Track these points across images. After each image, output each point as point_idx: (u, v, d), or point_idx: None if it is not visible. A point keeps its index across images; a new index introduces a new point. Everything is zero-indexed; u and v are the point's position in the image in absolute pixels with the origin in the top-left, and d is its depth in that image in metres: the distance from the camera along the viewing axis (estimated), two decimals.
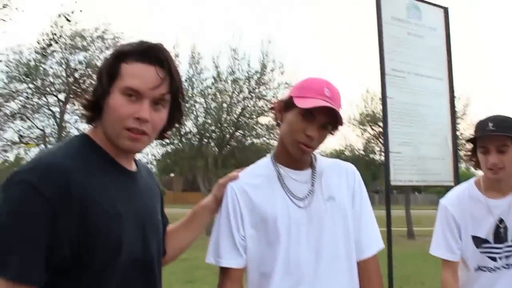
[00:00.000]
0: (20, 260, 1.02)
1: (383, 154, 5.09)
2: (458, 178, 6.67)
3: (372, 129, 25.28)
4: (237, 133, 20.01)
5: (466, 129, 17.79)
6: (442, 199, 2.17)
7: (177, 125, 1.40)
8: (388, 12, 5.49)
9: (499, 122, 1.95)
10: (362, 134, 29.70)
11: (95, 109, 1.24)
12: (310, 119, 1.59)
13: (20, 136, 7.47)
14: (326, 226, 1.66)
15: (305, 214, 1.66)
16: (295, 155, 1.66)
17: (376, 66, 5.54)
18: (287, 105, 1.64)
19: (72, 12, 5.07)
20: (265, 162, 1.78)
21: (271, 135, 20.27)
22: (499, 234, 2.03)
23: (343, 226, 1.69)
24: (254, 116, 19.76)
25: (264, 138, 20.61)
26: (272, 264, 1.62)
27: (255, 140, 20.79)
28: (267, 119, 19.85)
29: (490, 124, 1.94)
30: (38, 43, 4.92)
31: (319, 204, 1.68)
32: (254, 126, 20.09)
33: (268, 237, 1.65)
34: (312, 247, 1.64)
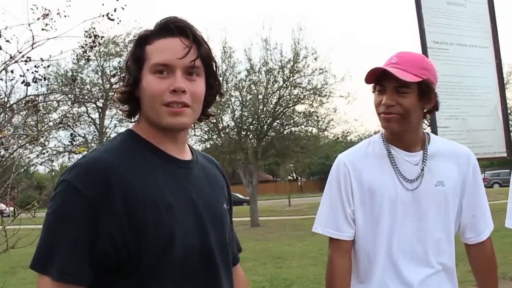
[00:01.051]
0: (62, 260, 1.01)
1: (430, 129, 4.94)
2: (511, 148, 6.44)
3: None
4: (275, 123, 19.95)
5: (511, 98, 17.09)
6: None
7: (213, 119, 1.35)
8: None
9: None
10: None
11: (131, 101, 1.21)
12: (382, 90, 1.63)
13: (72, 140, 7.56)
14: (431, 210, 1.67)
15: (411, 197, 1.67)
16: (385, 128, 1.68)
17: (417, 40, 5.39)
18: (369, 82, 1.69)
19: (115, 10, 5.06)
20: (376, 141, 1.77)
21: (309, 122, 20.15)
22: None
23: (446, 212, 1.69)
24: (291, 105, 19.66)
25: (302, 126, 20.49)
26: (374, 243, 1.68)
27: (293, 129, 20.67)
28: (303, 107, 19.75)
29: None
30: (82, 47, 4.88)
31: (427, 188, 1.67)
32: (291, 114, 19.98)
33: (373, 215, 1.68)
34: (415, 229, 1.66)
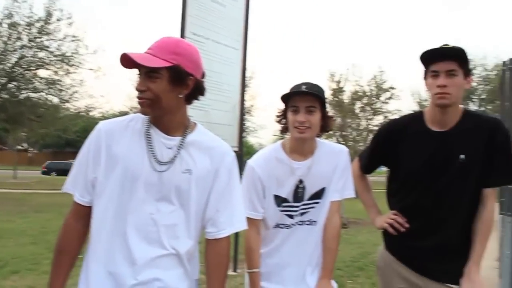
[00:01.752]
0: None
1: None
2: (242, 145, 7.22)
3: None
4: (10, 85, 17.84)
5: (248, 100, 19.14)
6: (250, 160, 2.28)
7: None
8: None
9: (311, 85, 2.15)
10: None
11: None
12: (140, 74, 1.67)
13: None
14: (172, 195, 1.70)
15: (157, 178, 1.68)
16: (140, 111, 1.71)
17: (177, 29, 5.55)
18: None
19: None
20: (142, 117, 1.74)
21: (51, 90, 18.66)
22: (298, 194, 2.20)
23: (187, 200, 1.72)
24: (33, 68, 17.87)
25: (43, 93, 18.85)
26: (113, 215, 1.69)
27: (32, 95, 18.84)
28: (47, 73, 18.19)
29: (303, 86, 2.13)
30: None
31: (174, 173, 1.69)
32: (32, 79, 18.17)
33: (116, 187, 1.67)
34: (154, 210, 1.67)
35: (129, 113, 24.43)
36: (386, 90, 27.64)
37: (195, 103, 1.75)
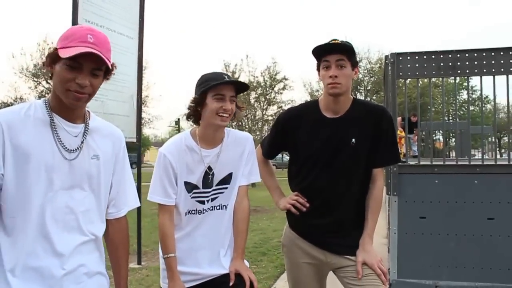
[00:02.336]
0: None
1: None
2: (141, 136, 7.05)
3: (47, 82, 24.13)
4: None
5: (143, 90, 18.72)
6: (161, 148, 2.31)
7: None
8: None
9: (229, 75, 2.24)
10: (36, 87, 27.96)
11: None
12: (78, 68, 1.60)
13: None
14: (84, 181, 1.73)
15: (68, 166, 1.68)
16: (70, 105, 1.66)
17: (68, 15, 5.26)
18: (54, 58, 1.62)
19: None
20: (39, 106, 1.68)
21: None
22: (207, 180, 2.25)
23: (97, 184, 1.77)
24: None
25: None
26: (25, 211, 1.62)
27: None
28: None
29: (226, 76, 2.19)
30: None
31: (84, 159, 1.72)
32: None
33: (26, 181, 1.60)
34: (69, 198, 1.68)
35: (14, 104, 22.81)
36: (280, 81, 28.67)
37: None
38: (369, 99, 32.78)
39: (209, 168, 2.27)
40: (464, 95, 38.53)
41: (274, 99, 28.60)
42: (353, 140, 2.32)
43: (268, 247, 7.27)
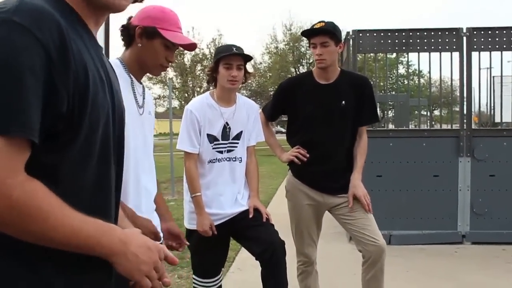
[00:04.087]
0: (17, 114, 0.84)
1: None
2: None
3: None
4: None
5: None
6: (187, 105, 2.78)
7: None
8: None
9: (240, 48, 2.71)
10: None
11: None
12: (171, 48, 1.95)
13: None
14: (147, 133, 2.06)
15: (140, 120, 1.99)
16: (155, 75, 2.10)
17: None
18: (150, 33, 1.90)
19: None
20: (117, 64, 1.95)
21: None
22: (225, 133, 2.73)
23: (150, 135, 2.12)
24: None
25: None
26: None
27: None
28: None
29: (234, 48, 2.67)
30: None
31: (145, 115, 2.03)
32: None
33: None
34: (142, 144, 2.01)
35: None
36: None
37: None
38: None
39: (227, 123, 2.73)
40: (400, 69, 40.34)
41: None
42: (343, 102, 2.84)
43: None
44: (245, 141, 2.82)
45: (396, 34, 5.25)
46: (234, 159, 2.78)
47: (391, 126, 13.64)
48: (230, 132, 2.75)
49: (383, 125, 12.94)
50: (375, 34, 5.27)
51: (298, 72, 32.74)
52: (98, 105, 0.99)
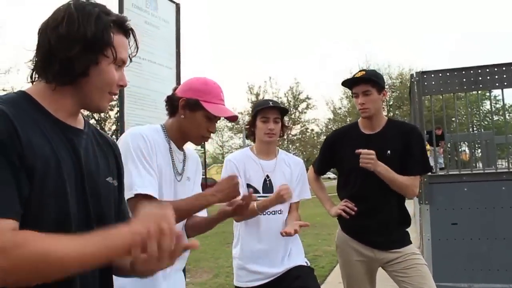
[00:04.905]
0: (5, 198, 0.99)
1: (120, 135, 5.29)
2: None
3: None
4: None
5: None
6: (227, 157, 2.81)
7: None
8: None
9: (276, 102, 2.73)
10: None
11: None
12: (213, 120, 2.02)
13: None
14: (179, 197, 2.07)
15: (176, 187, 2.04)
16: (196, 144, 2.14)
17: None
18: (192, 105, 1.98)
19: None
20: (159, 130, 2.05)
21: None
22: (266, 186, 2.70)
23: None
24: None
25: None
26: None
27: None
28: None
29: (270, 102, 2.70)
30: None
31: (183, 181, 2.08)
32: None
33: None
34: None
35: None
36: (303, 101, 29.11)
37: (137, 120, 2.07)
38: (391, 114, 32.89)
39: (267, 176, 2.70)
40: (487, 105, 38.34)
41: (299, 119, 29.01)
42: (388, 151, 2.70)
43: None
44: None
45: (463, 72, 4.99)
46: (278, 212, 2.70)
47: (479, 165, 12.85)
48: (272, 185, 2.70)
49: (474, 165, 12.24)
50: (440, 75, 5.05)
51: None
52: (47, 184, 1.08)
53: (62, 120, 1.21)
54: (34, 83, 1.21)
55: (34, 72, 1.20)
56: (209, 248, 8.41)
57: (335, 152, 2.90)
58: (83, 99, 1.24)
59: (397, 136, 2.76)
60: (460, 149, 10.64)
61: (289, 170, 2.77)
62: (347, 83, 2.82)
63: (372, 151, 2.62)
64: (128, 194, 1.77)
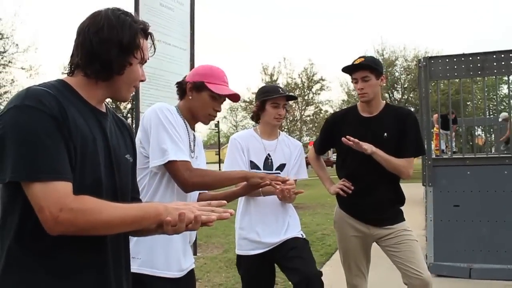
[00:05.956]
0: (53, 163, 1.22)
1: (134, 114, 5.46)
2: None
3: None
4: None
5: None
6: (232, 136, 2.99)
7: None
8: None
9: (283, 88, 2.93)
10: None
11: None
12: (218, 99, 2.23)
13: None
14: None
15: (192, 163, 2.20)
16: (205, 123, 2.31)
17: None
18: (198, 87, 2.20)
19: None
20: (174, 111, 2.19)
21: None
22: (268, 164, 2.90)
23: None
24: None
25: None
26: None
27: None
28: None
29: (280, 89, 2.89)
30: None
31: (194, 159, 2.24)
32: None
33: None
34: None
35: None
36: (317, 82, 28.98)
37: (151, 100, 2.25)
38: (406, 97, 32.65)
39: (269, 154, 2.90)
40: (504, 89, 37.88)
41: (312, 100, 28.98)
42: (385, 134, 2.86)
43: (313, 238, 7.74)
44: (287, 174, 2.90)
45: (470, 58, 5.07)
46: None
47: (493, 150, 12.88)
48: (272, 163, 2.90)
49: (489, 149, 12.24)
50: (447, 60, 5.14)
51: (392, 98, 32.15)
52: (87, 157, 1.33)
53: (94, 105, 1.45)
54: (72, 74, 1.43)
55: (72, 66, 1.43)
56: (220, 224, 8.64)
57: (334, 133, 3.04)
58: (113, 91, 1.48)
59: (394, 120, 2.90)
60: (475, 134, 10.66)
61: (289, 151, 2.96)
62: (347, 69, 2.97)
63: (358, 142, 2.76)
64: (160, 160, 2.04)
